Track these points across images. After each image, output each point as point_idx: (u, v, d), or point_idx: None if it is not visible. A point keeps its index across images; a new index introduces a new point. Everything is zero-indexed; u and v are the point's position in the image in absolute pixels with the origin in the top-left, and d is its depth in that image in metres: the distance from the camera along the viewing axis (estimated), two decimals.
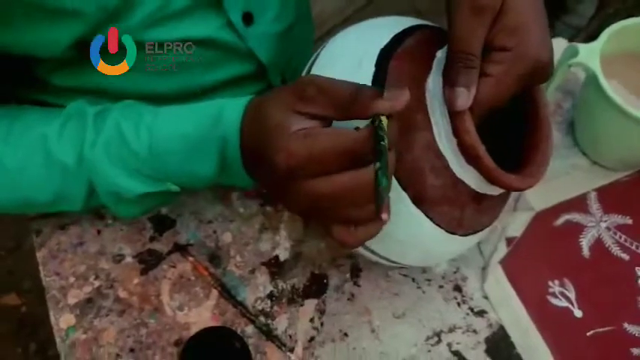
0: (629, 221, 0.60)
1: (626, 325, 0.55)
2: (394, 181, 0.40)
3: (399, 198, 0.41)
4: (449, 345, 0.53)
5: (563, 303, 0.56)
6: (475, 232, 0.45)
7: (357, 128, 0.36)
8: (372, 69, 0.41)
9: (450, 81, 0.37)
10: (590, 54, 0.56)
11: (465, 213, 0.43)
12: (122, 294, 0.53)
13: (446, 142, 0.40)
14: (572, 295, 0.56)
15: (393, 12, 0.48)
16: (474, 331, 0.54)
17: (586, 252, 0.59)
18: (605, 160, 0.62)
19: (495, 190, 0.43)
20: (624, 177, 0.62)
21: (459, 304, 0.55)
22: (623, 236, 0.59)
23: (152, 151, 0.42)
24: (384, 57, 0.42)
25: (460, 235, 0.44)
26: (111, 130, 0.43)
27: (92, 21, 0.41)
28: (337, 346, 0.53)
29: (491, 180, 0.40)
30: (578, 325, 0.55)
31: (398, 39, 0.43)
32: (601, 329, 0.55)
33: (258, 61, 0.53)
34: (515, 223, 0.59)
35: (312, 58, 0.46)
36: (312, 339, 0.53)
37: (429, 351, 0.53)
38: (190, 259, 0.55)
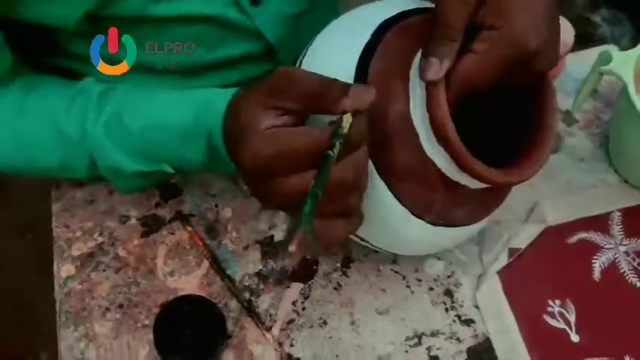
0: None
1: (627, 358, 0.51)
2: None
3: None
4: (428, 349, 0.52)
5: (561, 325, 0.52)
6: (448, 224, 0.43)
7: (331, 122, 0.36)
8: (368, 37, 0.41)
9: (425, 51, 0.36)
10: (624, 62, 0.52)
11: (434, 197, 0.41)
12: (121, 252, 0.56)
13: (420, 116, 0.39)
14: (571, 318, 0.53)
15: None
16: (458, 339, 0.52)
17: (597, 275, 0.55)
18: (634, 179, 0.58)
19: (471, 182, 0.40)
20: None
21: (446, 310, 0.54)
22: None
23: (145, 135, 0.44)
24: (384, 28, 0.41)
25: (429, 223, 0.42)
26: (112, 110, 0.45)
27: None
28: (314, 332, 0.53)
29: (459, 164, 0.38)
30: (572, 350, 0.51)
31: (404, 15, 0.42)
32: (598, 358, 0.51)
33: (266, 41, 0.54)
34: (522, 234, 0.56)
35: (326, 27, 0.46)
36: (291, 322, 0.53)
37: (407, 351, 0.52)
38: (189, 228, 0.57)
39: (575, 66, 0.65)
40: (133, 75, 0.50)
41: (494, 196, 0.45)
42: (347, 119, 0.35)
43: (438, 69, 0.36)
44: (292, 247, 0.32)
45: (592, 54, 0.65)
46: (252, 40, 0.53)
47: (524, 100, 0.43)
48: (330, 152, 0.34)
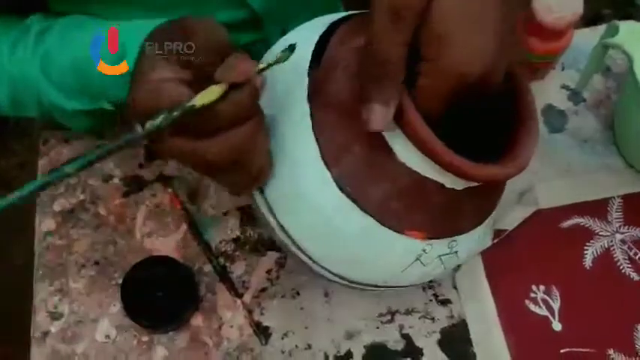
0: None
1: (610, 351, 0.48)
2: (308, 128, 0.36)
3: (306, 144, 0.35)
4: (400, 327, 0.50)
5: (543, 312, 0.50)
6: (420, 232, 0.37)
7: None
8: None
9: (364, 96, 0.31)
10: (631, 34, 0.48)
11: (400, 198, 0.36)
12: (102, 211, 0.56)
13: None
14: (555, 306, 0.50)
15: None
16: (432, 319, 0.50)
17: (588, 262, 0.52)
18: (639, 163, 0.54)
19: (447, 179, 0.35)
20: None
21: (424, 289, 0.52)
22: None
23: (75, 69, 0.43)
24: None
25: (381, 224, 0.36)
26: (47, 47, 0.44)
27: None
28: (286, 302, 0.52)
29: (426, 152, 0.33)
30: (552, 339, 0.49)
31: None
32: (579, 349, 0.48)
33: (252, 10, 0.52)
34: (510, 215, 0.53)
35: None
36: (263, 290, 0.52)
37: (377, 327, 0.50)
38: (169, 190, 0.56)
39: (589, 42, 0.61)
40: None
41: (485, 196, 0.41)
42: (211, 92, 0.30)
43: (383, 116, 0.31)
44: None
45: None
46: (238, 8, 0.51)
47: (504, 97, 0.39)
48: (139, 128, 0.30)
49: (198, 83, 0.32)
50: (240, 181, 0.35)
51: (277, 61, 0.34)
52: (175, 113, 0.30)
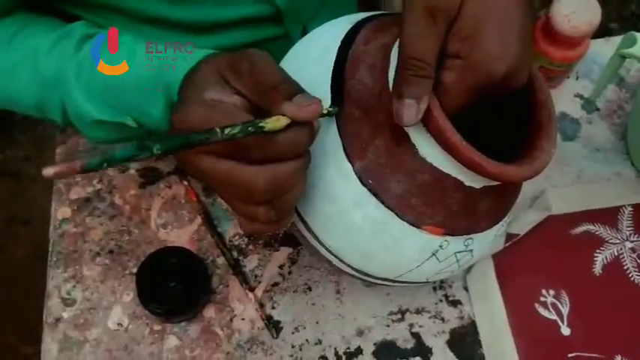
0: None
1: (618, 357, 0.49)
2: (332, 123, 0.37)
3: (329, 137, 0.36)
4: (410, 325, 0.51)
5: (552, 316, 0.50)
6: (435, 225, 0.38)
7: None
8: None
9: (397, 92, 0.32)
10: None
11: (420, 194, 0.36)
12: (118, 201, 0.57)
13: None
14: (564, 310, 0.50)
15: None
16: (442, 319, 0.51)
17: (598, 269, 0.52)
18: None
19: (467, 176, 0.36)
20: None
21: (434, 289, 0.52)
22: None
23: (110, 81, 0.43)
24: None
25: (400, 218, 0.37)
26: (87, 53, 0.44)
27: None
28: (297, 297, 0.52)
29: (447, 147, 0.34)
30: (561, 343, 0.49)
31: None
32: (587, 354, 0.49)
33: (275, 5, 0.52)
34: (523, 219, 0.53)
35: None
36: (275, 284, 0.53)
37: (388, 326, 0.51)
38: (185, 183, 0.57)
39: (603, 52, 0.61)
40: (140, 27, 0.50)
41: (504, 196, 0.41)
42: (278, 120, 0.31)
43: (415, 111, 0.32)
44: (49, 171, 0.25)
45: None
46: (261, 3, 0.52)
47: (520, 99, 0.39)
48: (217, 129, 0.30)
49: (242, 108, 0.33)
50: (261, 216, 0.34)
51: (328, 114, 0.36)
52: (250, 128, 0.30)
